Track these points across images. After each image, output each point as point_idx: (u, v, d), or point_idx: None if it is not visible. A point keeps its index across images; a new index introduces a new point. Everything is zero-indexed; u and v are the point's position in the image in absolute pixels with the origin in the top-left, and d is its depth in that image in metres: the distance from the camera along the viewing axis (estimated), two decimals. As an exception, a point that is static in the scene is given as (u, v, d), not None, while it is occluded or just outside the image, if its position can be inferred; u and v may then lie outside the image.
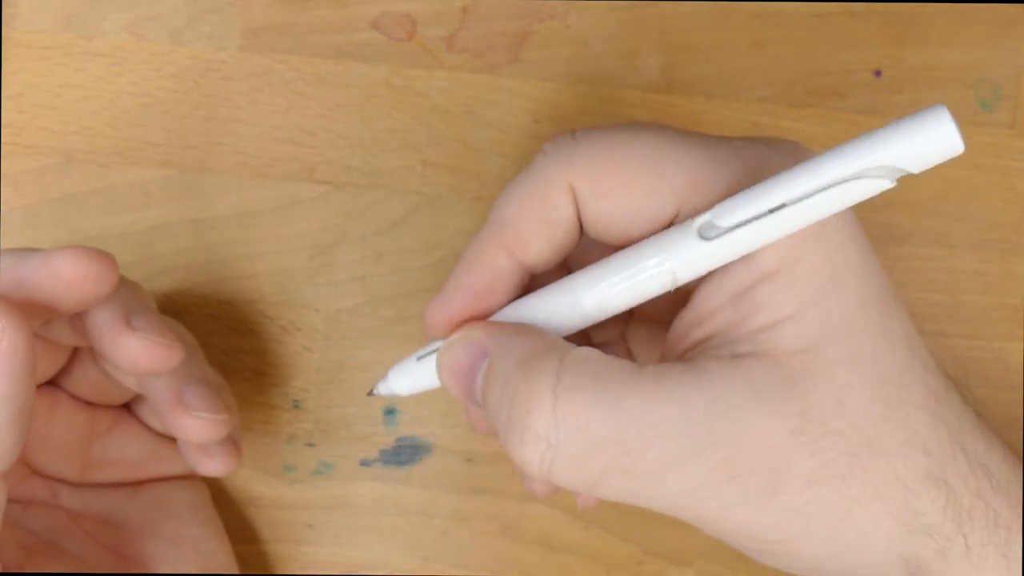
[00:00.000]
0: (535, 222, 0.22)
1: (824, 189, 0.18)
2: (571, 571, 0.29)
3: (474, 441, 0.29)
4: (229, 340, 0.30)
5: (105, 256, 0.22)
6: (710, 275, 0.20)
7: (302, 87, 0.30)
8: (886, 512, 0.19)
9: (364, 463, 0.29)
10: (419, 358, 0.24)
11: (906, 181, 0.30)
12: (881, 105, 0.30)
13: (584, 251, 0.23)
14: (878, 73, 0.30)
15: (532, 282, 0.23)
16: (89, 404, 0.27)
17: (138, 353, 0.23)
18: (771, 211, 0.18)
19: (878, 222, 0.30)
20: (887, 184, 0.18)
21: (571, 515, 0.29)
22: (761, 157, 0.21)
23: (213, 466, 0.26)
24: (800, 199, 0.18)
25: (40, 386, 0.25)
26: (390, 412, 0.29)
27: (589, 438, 0.19)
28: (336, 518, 0.29)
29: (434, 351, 0.23)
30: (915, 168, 0.18)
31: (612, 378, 0.19)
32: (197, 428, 0.24)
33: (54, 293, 0.22)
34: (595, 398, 0.19)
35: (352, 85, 0.30)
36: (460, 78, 0.30)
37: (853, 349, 0.20)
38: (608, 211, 0.21)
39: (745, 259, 0.20)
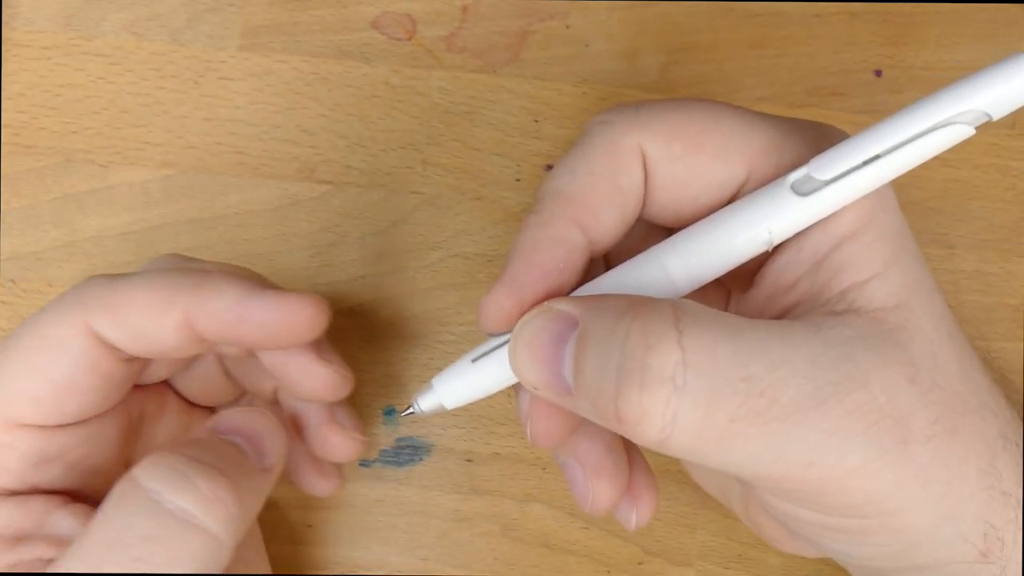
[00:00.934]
0: (606, 191, 0.20)
1: (915, 138, 0.18)
2: (571, 571, 0.29)
3: (474, 441, 0.29)
4: (229, 340, 0.30)
5: (324, 303, 0.22)
6: (785, 245, 0.20)
7: (302, 87, 0.30)
8: (978, 472, 0.19)
9: (364, 463, 0.29)
10: (475, 359, 0.21)
11: (907, 180, 0.30)
12: (881, 105, 0.30)
13: (618, 250, 0.22)
14: (878, 73, 0.30)
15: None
16: (191, 405, 0.26)
17: (325, 383, 0.23)
18: (865, 163, 0.19)
19: (878, 222, 0.30)
20: (970, 131, 0.18)
21: (571, 515, 0.29)
22: (818, 131, 0.21)
23: (324, 486, 0.26)
24: (893, 149, 0.18)
25: (153, 385, 0.25)
26: (390, 412, 0.29)
27: (720, 376, 0.17)
28: (336, 518, 0.29)
29: (496, 347, 0.21)
30: (998, 113, 0.18)
31: (732, 320, 0.18)
32: (344, 447, 0.25)
33: (273, 334, 0.22)
34: (721, 333, 0.17)
35: (352, 85, 0.30)
36: (460, 78, 0.30)
37: (930, 307, 0.20)
38: (680, 176, 0.20)
39: (820, 226, 0.19)
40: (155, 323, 0.21)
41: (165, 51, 0.30)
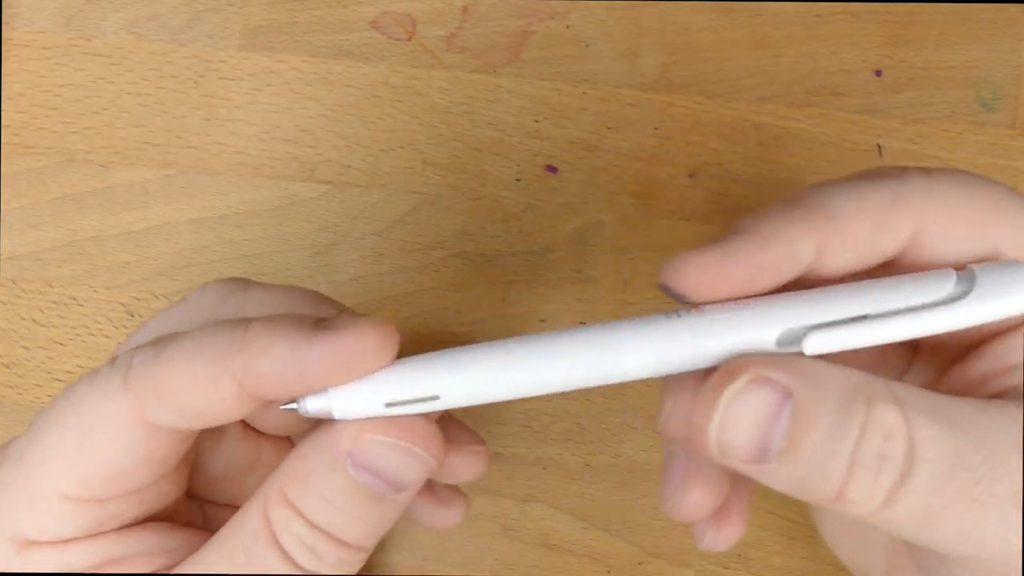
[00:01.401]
0: (871, 225, 0.19)
1: None
2: (571, 571, 0.29)
3: (474, 441, 0.29)
4: (229, 340, 0.30)
5: (390, 328, 0.19)
6: (1015, 327, 0.20)
7: (302, 87, 0.30)
8: None
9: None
10: (388, 404, 0.19)
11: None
12: (881, 105, 0.30)
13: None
14: (878, 73, 0.30)
15: None
16: (257, 434, 0.24)
17: (468, 469, 0.22)
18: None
19: (878, 222, 0.30)
20: None
21: (571, 515, 0.29)
22: None
23: (447, 516, 0.23)
24: None
25: None
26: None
27: (945, 463, 0.17)
28: (336, 518, 0.29)
29: (424, 400, 0.19)
30: None
31: (947, 407, 0.18)
32: (469, 464, 0.22)
33: (339, 377, 0.19)
34: (943, 424, 0.17)
35: (352, 85, 0.30)
36: (460, 78, 0.30)
37: None
38: (941, 246, 0.20)
39: None
40: (209, 400, 0.19)
41: (165, 51, 0.30)
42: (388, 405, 0.19)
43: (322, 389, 0.19)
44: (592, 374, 0.19)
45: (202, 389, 0.19)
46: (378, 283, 0.30)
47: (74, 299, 0.30)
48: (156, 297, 0.30)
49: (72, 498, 0.20)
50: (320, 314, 0.21)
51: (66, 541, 0.21)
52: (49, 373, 0.30)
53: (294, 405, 0.19)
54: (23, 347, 0.30)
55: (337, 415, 0.19)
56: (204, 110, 0.30)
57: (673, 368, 0.19)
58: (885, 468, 0.17)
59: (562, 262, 0.30)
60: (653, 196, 0.30)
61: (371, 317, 0.19)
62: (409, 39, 0.30)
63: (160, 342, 0.20)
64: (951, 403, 0.18)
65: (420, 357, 0.19)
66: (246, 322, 0.19)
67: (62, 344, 0.30)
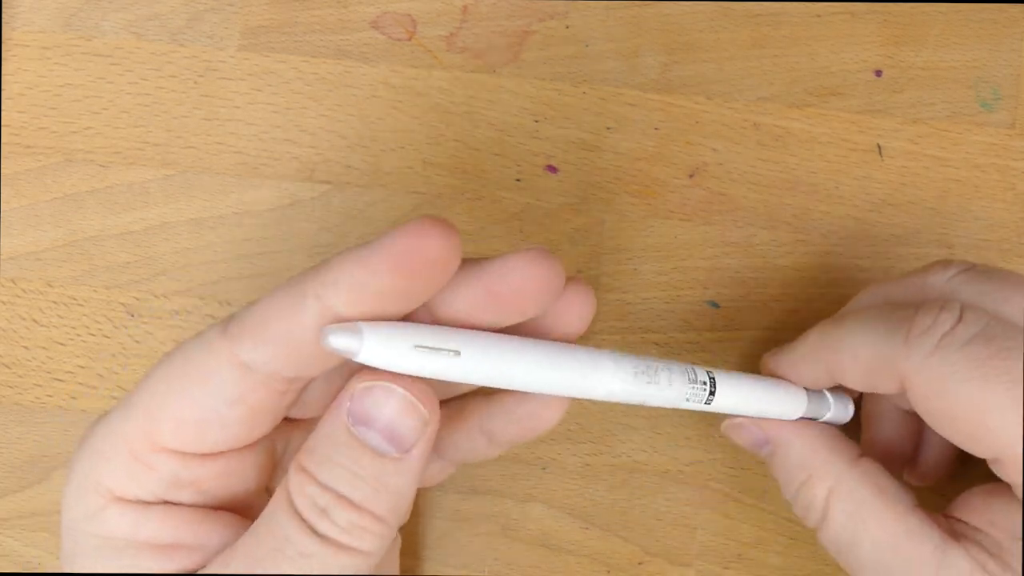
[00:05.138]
0: (865, 382, 0.24)
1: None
2: (571, 571, 0.29)
3: (474, 441, 0.29)
4: (229, 340, 0.30)
5: (446, 224, 0.19)
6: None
7: (302, 87, 0.30)
8: None
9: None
10: (416, 346, 0.19)
11: (907, 180, 0.30)
12: (881, 105, 0.30)
13: None
14: (878, 73, 0.30)
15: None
16: None
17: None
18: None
19: (878, 222, 0.30)
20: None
21: (571, 515, 0.29)
22: None
23: (550, 411, 0.23)
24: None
25: (307, 420, 0.24)
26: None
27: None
28: (336, 518, 0.29)
29: (447, 352, 0.20)
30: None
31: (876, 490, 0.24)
32: (578, 304, 0.22)
33: (414, 268, 0.19)
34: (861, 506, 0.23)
35: (352, 85, 0.30)
36: (460, 78, 0.30)
37: None
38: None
39: None
40: (294, 325, 0.19)
41: (165, 51, 0.30)
42: (416, 347, 0.19)
43: (354, 326, 0.19)
44: (636, 383, 0.22)
45: (286, 315, 0.19)
46: (378, 283, 0.30)
47: (74, 299, 0.30)
48: (156, 297, 0.30)
49: (165, 448, 0.21)
50: None
51: (145, 504, 0.21)
52: (49, 373, 0.30)
53: (340, 339, 0.19)
54: (23, 347, 0.30)
55: (364, 352, 0.19)
56: (204, 110, 0.30)
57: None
58: (814, 509, 0.24)
59: (562, 262, 0.30)
60: (653, 196, 0.30)
61: (430, 215, 0.19)
62: (409, 39, 0.30)
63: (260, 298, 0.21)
64: (878, 495, 0.24)
65: (444, 327, 0.20)
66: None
67: (62, 344, 0.30)
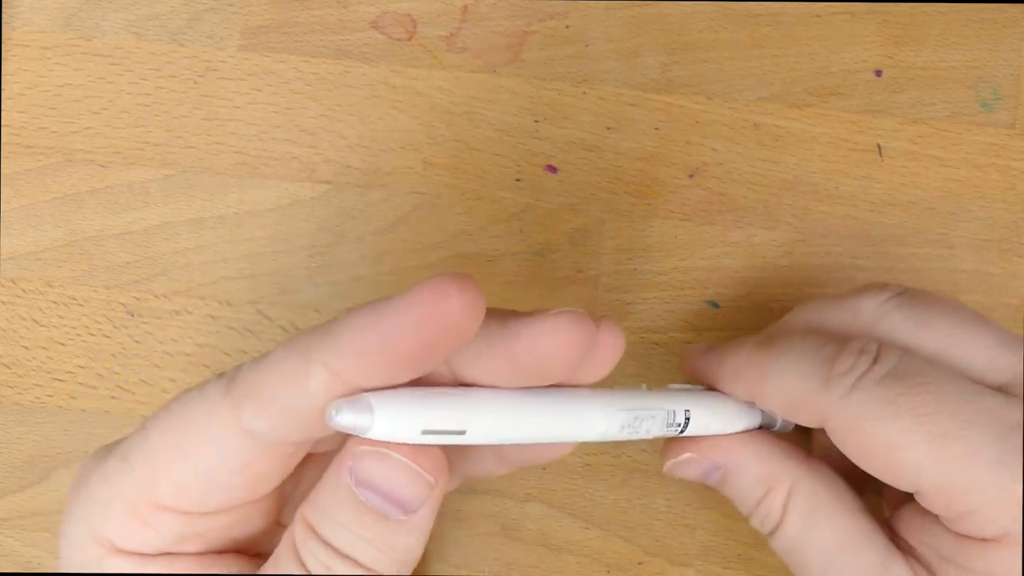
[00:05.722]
0: (786, 409, 0.25)
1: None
2: (571, 571, 0.29)
3: (474, 441, 0.29)
4: (229, 340, 0.30)
5: (470, 281, 0.18)
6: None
7: (302, 87, 0.30)
8: None
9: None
10: (424, 432, 0.19)
11: (907, 180, 0.30)
12: (881, 105, 0.30)
13: None
14: (878, 73, 0.30)
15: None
16: None
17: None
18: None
19: (878, 222, 0.30)
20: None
21: (571, 515, 0.29)
22: None
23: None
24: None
25: (319, 455, 0.23)
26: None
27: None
28: (336, 518, 0.29)
29: (453, 433, 0.19)
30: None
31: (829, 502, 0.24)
32: (611, 343, 0.21)
33: (431, 336, 0.18)
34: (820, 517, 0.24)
35: (352, 85, 0.30)
36: (460, 78, 0.30)
37: None
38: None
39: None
40: (299, 394, 0.18)
41: (165, 51, 0.30)
42: (424, 432, 0.18)
43: (364, 403, 0.18)
44: (620, 434, 0.22)
45: (290, 380, 0.18)
46: (378, 283, 0.30)
47: (74, 299, 0.30)
48: (156, 297, 0.30)
49: (166, 508, 0.20)
50: None
51: (150, 556, 0.21)
52: (49, 373, 0.30)
53: (349, 418, 0.18)
54: (23, 347, 0.30)
55: (375, 432, 0.18)
56: (204, 110, 0.30)
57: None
58: (770, 523, 0.25)
59: (562, 262, 0.30)
60: (653, 196, 0.30)
61: (451, 273, 0.18)
62: (409, 39, 0.30)
63: (261, 357, 0.20)
64: (838, 505, 0.24)
65: (451, 391, 0.19)
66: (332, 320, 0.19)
67: (62, 344, 0.30)
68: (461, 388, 0.20)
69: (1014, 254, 0.30)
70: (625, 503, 0.29)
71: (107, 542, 0.21)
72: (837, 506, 0.24)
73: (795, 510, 0.24)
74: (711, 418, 0.24)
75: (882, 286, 0.25)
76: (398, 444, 0.19)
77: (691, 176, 0.30)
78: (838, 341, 0.23)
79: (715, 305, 0.30)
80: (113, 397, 0.30)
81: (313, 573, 0.19)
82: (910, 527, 0.23)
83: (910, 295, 0.24)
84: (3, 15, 0.30)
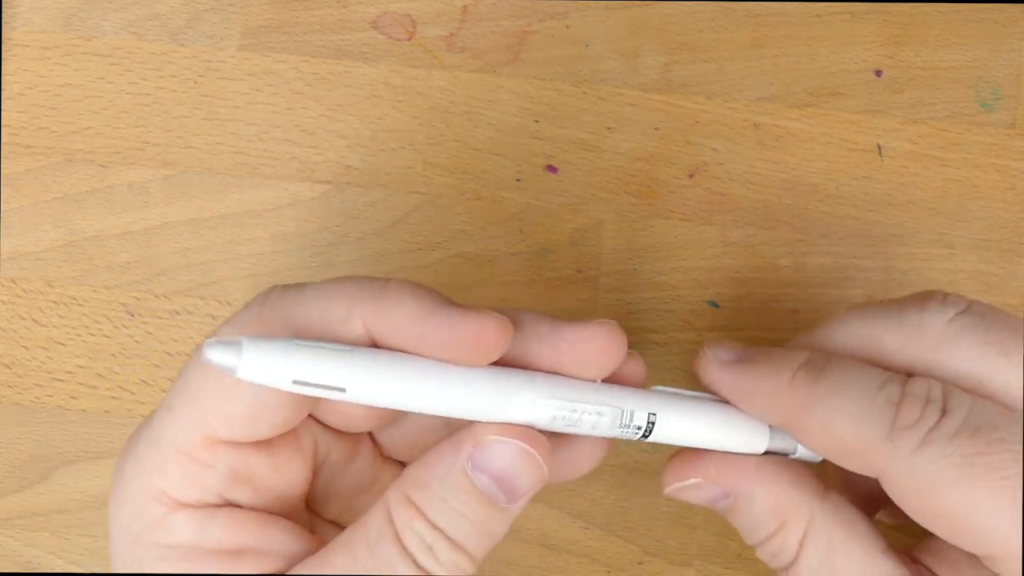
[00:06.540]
0: (788, 423, 0.23)
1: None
2: (571, 571, 0.29)
3: (474, 441, 0.29)
4: (229, 340, 0.30)
5: (508, 323, 0.21)
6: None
7: (302, 87, 0.30)
8: None
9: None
10: (295, 382, 0.19)
11: (907, 180, 0.30)
12: (881, 105, 0.30)
13: None
14: (878, 73, 0.30)
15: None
16: (383, 459, 0.25)
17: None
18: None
19: (878, 222, 0.30)
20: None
21: (571, 515, 0.29)
22: None
23: (589, 455, 0.23)
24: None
25: (350, 434, 0.24)
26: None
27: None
28: (336, 518, 0.29)
29: (330, 388, 0.20)
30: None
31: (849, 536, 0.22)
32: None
33: (451, 354, 0.20)
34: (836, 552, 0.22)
35: (352, 85, 0.30)
36: (460, 78, 0.30)
37: None
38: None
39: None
40: (335, 334, 0.21)
41: (165, 51, 0.30)
42: (296, 383, 0.19)
43: (236, 340, 0.19)
44: (552, 425, 0.21)
45: (332, 324, 0.21)
46: (378, 283, 0.30)
47: (74, 299, 0.30)
48: (156, 297, 0.30)
49: (218, 440, 0.21)
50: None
51: (209, 508, 0.21)
52: (49, 373, 0.30)
53: (218, 356, 0.19)
54: (23, 347, 0.30)
55: (240, 371, 0.19)
56: (204, 110, 0.30)
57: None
58: (783, 561, 0.23)
59: (562, 262, 0.30)
60: (653, 196, 0.30)
61: (491, 312, 0.20)
62: (409, 39, 0.30)
63: (297, 285, 0.21)
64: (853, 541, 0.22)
65: (342, 347, 0.20)
66: (385, 280, 0.21)
67: (62, 344, 0.30)
68: (360, 348, 0.20)
69: (1014, 254, 0.30)
70: (625, 503, 0.29)
71: (168, 499, 0.21)
72: (858, 548, 0.22)
73: (812, 550, 0.22)
74: (701, 430, 0.22)
75: (943, 297, 0.22)
76: (520, 431, 0.21)
77: (691, 176, 0.30)
78: (899, 379, 0.21)
79: (715, 305, 0.30)
80: (113, 397, 0.30)
81: (412, 552, 0.20)
82: (944, 561, 0.22)
83: (981, 313, 0.22)
84: (3, 15, 0.30)
